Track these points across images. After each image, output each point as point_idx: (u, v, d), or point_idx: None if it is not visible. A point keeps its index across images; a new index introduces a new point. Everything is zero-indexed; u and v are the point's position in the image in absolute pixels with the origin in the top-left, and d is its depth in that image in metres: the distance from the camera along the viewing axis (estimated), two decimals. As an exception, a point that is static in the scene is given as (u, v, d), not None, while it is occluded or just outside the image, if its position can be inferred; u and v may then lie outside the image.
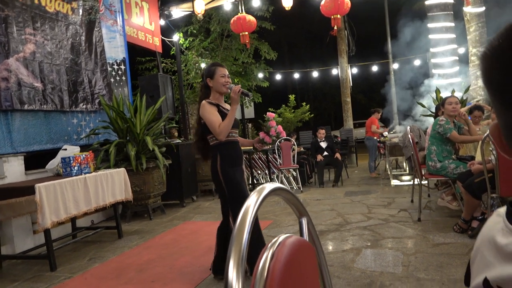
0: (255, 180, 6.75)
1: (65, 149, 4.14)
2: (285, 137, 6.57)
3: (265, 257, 0.52)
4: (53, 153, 4.27)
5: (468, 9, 7.08)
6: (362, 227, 3.87)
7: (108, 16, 5.84)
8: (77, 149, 4.21)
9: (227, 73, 2.75)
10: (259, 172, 7.36)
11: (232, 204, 2.65)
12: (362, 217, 4.31)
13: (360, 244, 3.32)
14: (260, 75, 10.70)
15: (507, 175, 2.95)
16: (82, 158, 3.83)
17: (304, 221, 0.70)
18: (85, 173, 3.80)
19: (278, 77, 14.00)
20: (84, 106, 5.11)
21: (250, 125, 13.36)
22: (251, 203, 0.53)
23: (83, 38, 5.21)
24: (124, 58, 6.09)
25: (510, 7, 8.39)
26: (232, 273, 0.44)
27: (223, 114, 2.64)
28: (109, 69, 5.73)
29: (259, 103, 11.06)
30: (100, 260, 3.55)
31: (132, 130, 5.04)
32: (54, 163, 3.97)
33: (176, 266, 3.16)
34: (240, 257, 0.45)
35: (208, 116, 2.60)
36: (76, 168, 3.74)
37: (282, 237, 0.59)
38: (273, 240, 0.58)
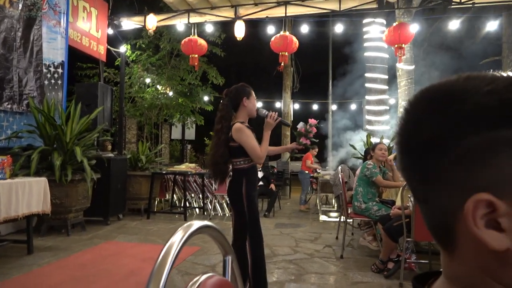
0: (187, 203, 6.59)
1: (-21, 151, 3.74)
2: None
3: (183, 299, 0.51)
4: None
5: (400, 65, 7.80)
6: (288, 260, 3.93)
7: (51, 16, 5.53)
8: (-7, 152, 3.83)
9: None
10: (193, 195, 7.22)
11: (252, 228, 2.61)
12: (289, 250, 4.38)
13: (285, 278, 3.36)
14: (206, 98, 10.71)
15: (422, 222, 3.21)
16: (-3, 162, 3.48)
17: (228, 260, 0.70)
18: (-2, 180, 3.44)
19: (223, 102, 14.11)
20: (9, 106, 4.69)
21: (189, 146, 13.18)
22: (176, 240, 0.52)
23: (19, 34, 4.86)
24: (62, 61, 5.76)
25: (436, 68, 9.40)
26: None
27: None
28: (45, 70, 5.37)
29: (200, 125, 11.00)
30: (2, 277, 3.17)
31: (61, 138, 4.71)
32: (-38, 165, 3.55)
33: (90, 290, 2.93)
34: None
35: (248, 140, 2.54)
36: (-12, 173, 3.38)
37: (203, 277, 0.58)
38: (194, 280, 0.57)
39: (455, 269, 0.42)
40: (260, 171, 7.30)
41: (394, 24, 5.91)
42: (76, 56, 7.39)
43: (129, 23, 7.34)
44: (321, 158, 12.00)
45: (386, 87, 8.66)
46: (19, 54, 4.85)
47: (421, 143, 0.41)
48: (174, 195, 7.22)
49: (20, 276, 3.23)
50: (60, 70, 5.74)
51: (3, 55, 4.61)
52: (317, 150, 8.60)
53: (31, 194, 3.79)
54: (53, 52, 5.59)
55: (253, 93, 2.72)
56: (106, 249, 4.18)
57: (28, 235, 3.92)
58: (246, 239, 2.61)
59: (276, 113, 2.65)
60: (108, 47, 7.23)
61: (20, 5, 4.89)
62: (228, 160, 2.65)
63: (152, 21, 6.53)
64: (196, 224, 0.59)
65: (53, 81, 5.61)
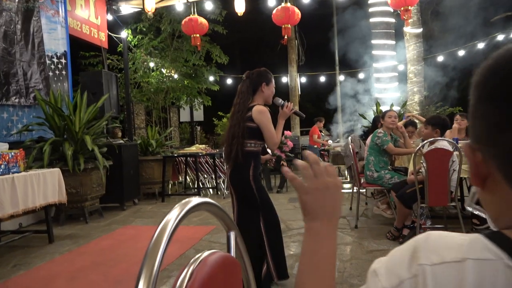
0: (200, 184, 6.65)
1: (-8, 146, 3.79)
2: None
3: (183, 276, 0.50)
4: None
5: (407, 29, 7.58)
6: (303, 234, 3.95)
7: (49, 6, 5.47)
8: (5, 146, 3.87)
9: None
10: (205, 176, 7.28)
11: (265, 209, 2.59)
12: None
13: (300, 251, 3.39)
14: (211, 78, 10.62)
15: (435, 187, 3.18)
16: (10, 156, 3.54)
17: (232, 236, 0.69)
18: (13, 173, 3.51)
19: (229, 81, 13.99)
20: (17, 100, 4.73)
21: (199, 128, 13.20)
22: (172, 217, 0.51)
23: (18, 26, 4.83)
24: (65, 51, 5.74)
25: (446, 31, 9.11)
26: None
27: None
28: (48, 62, 5.37)
29: (208, 106, 10.96)
30: (26, 267, 3.28)
31: (70, 128, 4.75)
32: (-23, 161, 3.62)
33: (112, 274, 3.01)
34: (152, 275, 0.43)
35: (268, 124, 2.52)
36: (2, 166, 3.44)
37: (205, 253, 0.57)
38: (195, 257, 0.56)
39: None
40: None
41: (399, -14, 5.68)
42: (78, 45, 7.35)
43: (127, 7, 7.23)
44: (331, 130, 11.92)
45: (394, 53, 8.44)
46: (21, 47, 4.84)
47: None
48: (187, 177, 7.29)
49: (43, 264, 3.33)
50: (63, 61, 5.72)
51: (5, 49, 4.60)
52: (323, 122, 8.51)
53: (46, 185, 3.86)
54: (55, 42, 5.56)
55: (273, 81, 2.70)
56: (124, 234, 4.27)
57: (47, 225, 4.02)
58: (260, 221, 2.59)
59: (292, 103, 2.65)
60: (109, 33, 7.17)
61: (17, -3, 4.84)
62: (244, 141, 2.56)
63: (151, 3, 6.41)
64: (194, 200, 0.58)
65: (57, 72, 5.61)
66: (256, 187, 2.58)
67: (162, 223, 0.48)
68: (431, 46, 10.27)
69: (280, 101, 2.66)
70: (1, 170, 3.41)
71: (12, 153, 3.57)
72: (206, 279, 0.50)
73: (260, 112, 2.52)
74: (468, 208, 1.63)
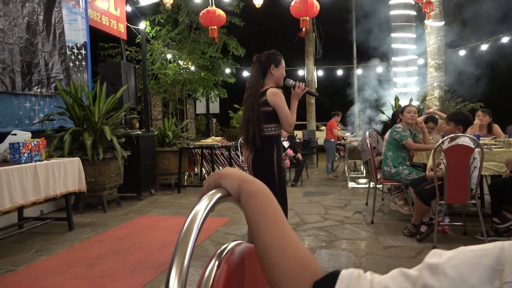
0: (216, 176, 6.70)
1: (15, 134, 3.88)
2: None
3: (211, 266, 0.51)
4: (0, 137, 4.00)
5: (429, 22, 7.40)
6: (318, 228, 3.95)
7: (70, -3, 5.54)
8: (28, 134, 3.97)
9: None
10: (221, 168, 7.32)
11: (281, 197, 2.58)
12: (319, 217, 4.39)
13: (315, 245, 3.39)
14: (227, 70, 10.62)
15: (454, 184, 3.12)
16: (33, 144, 3.62)
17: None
18: (35, 161, 3.60)
19: (245, 74, 13.97)
20: (39, 90, 4.83)
21: (214, 120, 13.26)
22: (200, 208, 0.51)
23: (40, 17, 4.92)
24: (85, 42, 5.82)
25: (468, 23, 8.86)
26: (174, 283, 0.42)
27: None
28: (69, 52, 5.45)
29: (224, 98, 10.98)
30: (47, 253, 3.38)
31: (90, 118, 4.83)
32: (1, 148, 3.72)
33: (128, 262, 3.07)
34: (183, 267, 0.43)
35: (284, 106, 2.50)
36: (25, 155, 3.53)
37: (231, 244, 0.58)
38: (222, 248, 0.57)
39: None
40: (286, 140, 7.28)
41: (421, -22, 5.55)
42: (98, 36, 7.45)
43: (146, -1, 7.27)
44: (347, 124, 11.80)
45: (414, 46, 8.26)
46: (42, 37, 4.93)
47: None
48: (203, 169, 7.35)
49: (64, 250, 3.42)
50: (83, 51, 5.81)
51: (28, 39, 4.69)
52: (340, 116, 8.43)
53: (67, 174, 3.95)
54: (75, 33, 5.65)
55: (283, 62, 2.65)
56: (141, 223, 4.34)
57: (67, 213, 4.12)
58: None
59: (304, 83, 2.60)
60: (128, 24, 7.23)
61: (39, -12, 4.92)
62: (261, 125, 2.54)
63: (169, -5, 6.42)
64: (220, 191, 0.58)
65: (77, 62, 5.70)
66: (278, 173, 2.56)
67: (192, 214, 0.48)
68: (453, 40, 10.01)
69: (291, 82, 2.63)
70: (24, 158, 3.50)
71: (35, 142, 3.65)
72: (235, 268, 0.50)
73: (274, 94, 2.52)
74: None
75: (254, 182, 0.57)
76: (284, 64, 2.66)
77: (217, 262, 0.52)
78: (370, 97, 9.12)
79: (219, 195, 0.56)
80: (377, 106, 8.53)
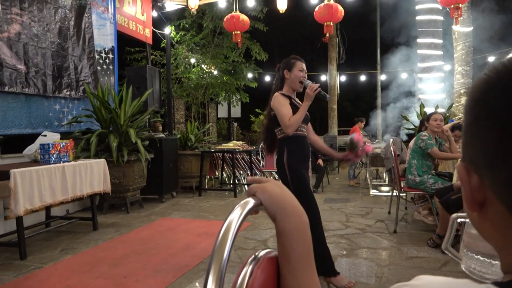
0: (236, 180, 6.74)
1: (45, 135, 4.03)
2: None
3: (243, 274, 0.52)
4: (31, 138, 4.16)
5: (456, 28, 7.24)
6: (339, 235, 3.91)
7: (100, 3, 5.72)
8: (57, 136, 4.11)
9: (305, 68, 2.66)
10: (241, 172, 7.35)
11: (299, 199, 2.57)
12: (340, 225, 4.35)
13: (336, 253, 3.35)
14: (250, 75, 10.69)
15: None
16: (62, 146, 3.75)
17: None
18: (63, 162, 3.71)
19: (267, 78, 14.03)
20: (68, 93, 4.99)
21: (235, 124, 13.34)
22: (234, 217, 0.53)
23: (72, 22, 5.10)
24: (112, 46, 5.99)
25: (496, 29, 8.62)
26: (211, 289, 0.43)
27: (294, 108, 2.57)
28: (97, 57, 5.62)
29: (246, 103, 11.05)
30: (73, 251, 3.47)
31: (116, 121, 4.96)
32: (32, 149, 3.87)
33: (151, 263, 3.12)
34: (219, 275, 0.44)
35: (279, 107, 2.54)
36: (55, 155, 3.65)
37: (262, 252, 0.58)
38: (253, 256, 0.57)
39: None
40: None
41: (450, -17, 5.43)
42: (124, 41, 7.64)
43: (172, 4, 7.42)
44: (371, 130, 11.64)
45: (440, 52, 8.09)
46: (73, 42, 5.10)
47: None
48: (224, 173, 7.40)
49: (88, 250, 3.51)
50: (110, 56, 5.97)
51: (60, 44, 4.87)
52: (364, 122, 8.33)
53: (93, 175, 4.06)
54: (103, 38, 5.82)
55: (298, 64, 2.63)
56: (163, 225, 4.40)
57: (92, 213, 4.23)
58: None
59: (318, 84, 2.52)
60: (154, 29, 7.39)
61: (71, -5, 5.10)
62: (272, 130, 2.69)
63: (194, 0, 6.54)
64: (253, 201, 0.59)
65: (105, 66, 5.86)
66: (291, 175, 2.56)
67: (227, 222, 0.50)
68: (480, 46, 9.75)
69: (307, 82, 2.59)
70: (53, 159, 3.63)
71: (63, 143, 3.77)
72: (266, 276, 0.51)
73: (273, 98, 2.62)
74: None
75: (292, 217, 0.60)
76: (300, 66, 2.63)
77: (249, 270, 0.53)
78: (394, 103, 8.98)
79: (250, 205, 0.57)
80: (402, 112, 8.39)
